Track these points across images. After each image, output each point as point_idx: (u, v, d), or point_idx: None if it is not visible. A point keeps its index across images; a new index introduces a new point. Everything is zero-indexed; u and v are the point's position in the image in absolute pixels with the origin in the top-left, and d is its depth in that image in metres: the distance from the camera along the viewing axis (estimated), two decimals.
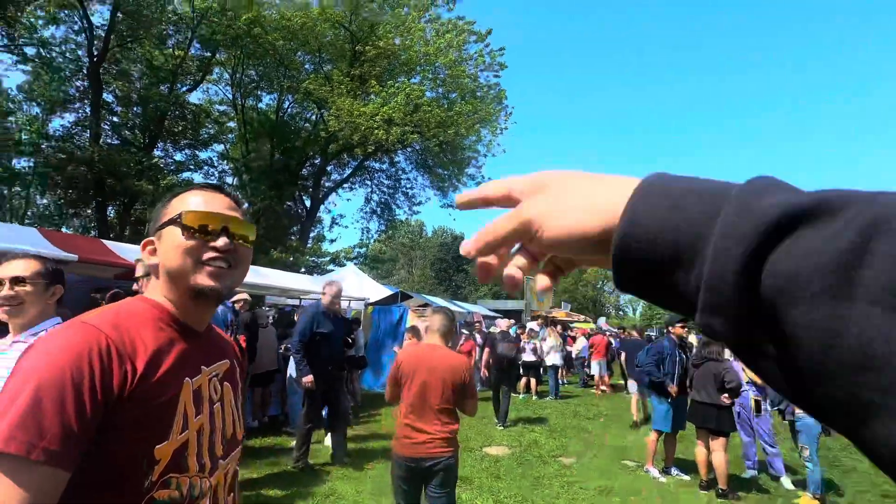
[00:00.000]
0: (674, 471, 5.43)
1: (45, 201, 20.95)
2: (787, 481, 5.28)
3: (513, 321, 12.28)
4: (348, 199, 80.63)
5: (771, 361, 0.27)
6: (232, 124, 22.14)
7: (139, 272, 3.06)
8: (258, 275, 8.04)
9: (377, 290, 12.23)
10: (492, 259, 0.40)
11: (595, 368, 12.96)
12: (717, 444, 4.76)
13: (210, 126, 20.87)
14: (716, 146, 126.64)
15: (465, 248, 0.39)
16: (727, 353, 4.90)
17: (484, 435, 6.94)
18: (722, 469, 4.70)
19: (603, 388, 12.75)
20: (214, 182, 20.98)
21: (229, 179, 23.83)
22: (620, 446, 6.59)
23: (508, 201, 0.39)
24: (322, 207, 22.78)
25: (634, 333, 12.81)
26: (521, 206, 0.37)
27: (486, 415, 8.45)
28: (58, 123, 17.44)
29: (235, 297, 6.48)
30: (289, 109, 22.29)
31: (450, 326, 3.16)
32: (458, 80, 17.10)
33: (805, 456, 4.80)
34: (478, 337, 12.01)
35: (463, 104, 16.67)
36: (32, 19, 14.41)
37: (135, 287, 3.27)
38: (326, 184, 22.28)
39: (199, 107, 18.56)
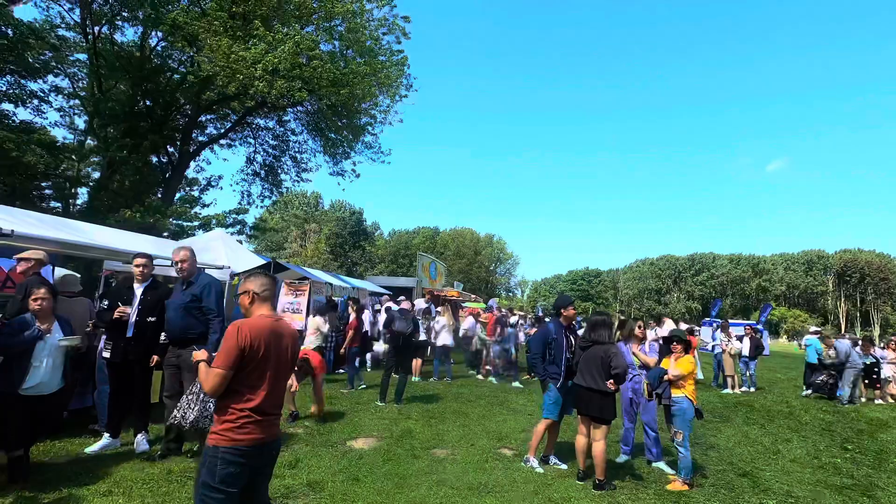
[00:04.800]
0: (552, 460, 5.07)
1: None
2: (662, 465, 5.18)
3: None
4: (225, 160, 73.19)
5: None
6: (82, 57, 18.29)
7: None
8: (70, 230, 6.24)
9: (247, 260, 10.68)
10: None
11: (498, 348, 12.73)
12: (599, 432, 4.42)
13: (46, 54, 16.97)
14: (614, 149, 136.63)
15: None
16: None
17: (352, 425, 6.10)
18: (601, 459, 4.38)
19: (488, 367, 12.60)
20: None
21: (78, 122, 19.90)
22: (500, 433, 6.16)
23: None
24: (194, 165, 19.97)
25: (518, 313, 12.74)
26: None
27: (361, 401, 7.65)
28: None
29: (22, 254, 4.85)
30: (157, 47, 19.00)
31: (273, 290, 2.50)
32: (357, 36, 15.60)
33: (678, 440, 4.67)
34: (365, 313, 11.09)
35: (360, 63, 15.25)
36: None
37: None
38: (200, 138, 19.48)
39: (26, 24, 14.83)
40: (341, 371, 10.82)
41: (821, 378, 11.67)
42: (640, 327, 5.74)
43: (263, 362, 2.20)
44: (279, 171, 21.04)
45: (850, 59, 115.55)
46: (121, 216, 14.43)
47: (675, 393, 4.76)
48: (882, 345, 13.15)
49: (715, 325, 14.71)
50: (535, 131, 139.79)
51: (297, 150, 20.82)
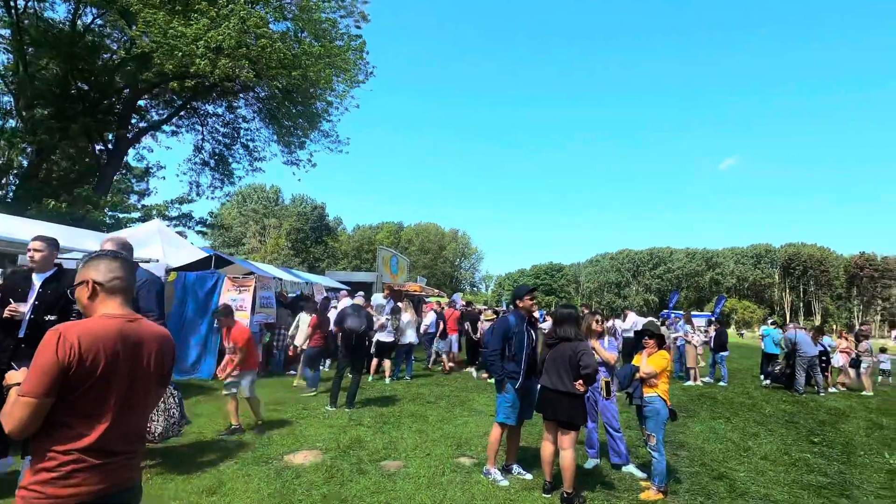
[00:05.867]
0: (515, 468, 4.58)
1: None
2: (632, 468, 4.80)
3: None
4: (168, 148, 67.71)
5: None
6: (5, 32, 16.51)
7: None
8: None
9: (186, 253, 9.75)
10: None
11: (444, 344, 12.27)
12: (567, 440, 3.94)
13: None
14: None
15: None
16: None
17: (294, 436, 5.42)
18: (569, 470, 3.91)
19: (451, 364, 12.12)
20: None
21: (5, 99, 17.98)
22: (460, 439, 5.63)
23: None
24: (133, 153, 18.48)
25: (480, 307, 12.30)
26: None
27: (310, 407, 6.97)
28: None
29: None
30: (92, 25, 17.39)
31: (128, 278, 1.74)
32: (311, 16, 14.68)
33: (651, 445, 4.27)
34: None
35: (314, 46, 14.34)
36: None
37: None
38: (140, 124, 18.02)
39: None
40: (292, 372, 10.07)
41: (778, 367, 11.79)
42: (597, 322, 5.24)
43: (104, 382, 1.52)
44: (230, 160, 19.80)
45: (799, 59, 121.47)
46: (43, 207, 13.02)
47: (648, 392, 4.35)
48: (827, 330, 13.47)
49: (671, 317, 14.77)
50: (499, 125, 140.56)
51: (248, 138, 19.64)
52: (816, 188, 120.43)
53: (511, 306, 4.96)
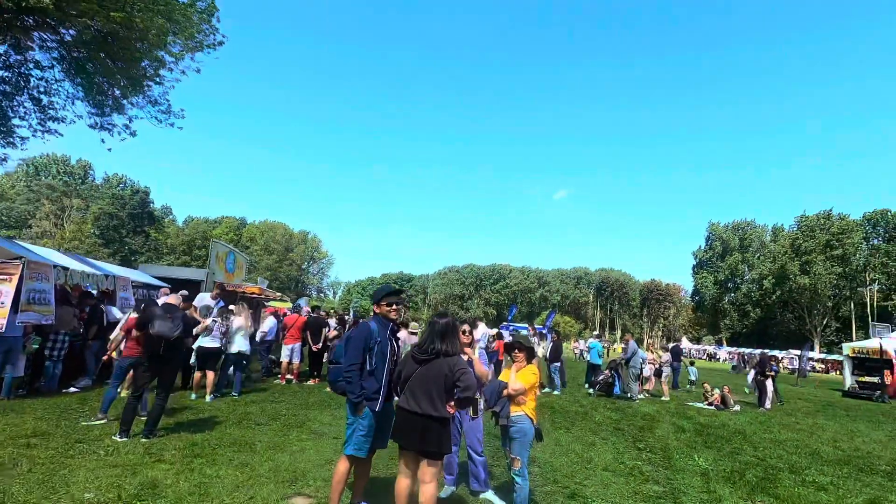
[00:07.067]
0: None
1: None
2: (491, 495, 4.39)
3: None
4: None
5: None
6: None
7: None
8: None
9: None
10: None
11: (286, 353, 10.91)
12: (431, 472, 3.30)
13: None
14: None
15: None
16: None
17: (50, 484, 3.84)
18: None
19: (289, 376, 10.79)
20: None
21: None
22: (295, 471, 4.64)
23: None
24: None
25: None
26: None
27: (88, 437, 5.25)
28: None
29: None
30: None
31: None
32: None
33: (516, 469, 3.90)
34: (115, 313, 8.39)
35: None
36: None
37: None
38: None
39: None
40: (74, 389, 7.80)
41: (602, 377, 13.05)
42: (464, 332, 4.71)
43: None
44: (10, 113, 15.32)
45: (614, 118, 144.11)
46: None
47: (515, 410, 4.00)
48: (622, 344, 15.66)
49: (511, 329, 15.62)
50: (355, 134, 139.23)
51: (42, 90, 15.46)
52: (625, 223, 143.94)
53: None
